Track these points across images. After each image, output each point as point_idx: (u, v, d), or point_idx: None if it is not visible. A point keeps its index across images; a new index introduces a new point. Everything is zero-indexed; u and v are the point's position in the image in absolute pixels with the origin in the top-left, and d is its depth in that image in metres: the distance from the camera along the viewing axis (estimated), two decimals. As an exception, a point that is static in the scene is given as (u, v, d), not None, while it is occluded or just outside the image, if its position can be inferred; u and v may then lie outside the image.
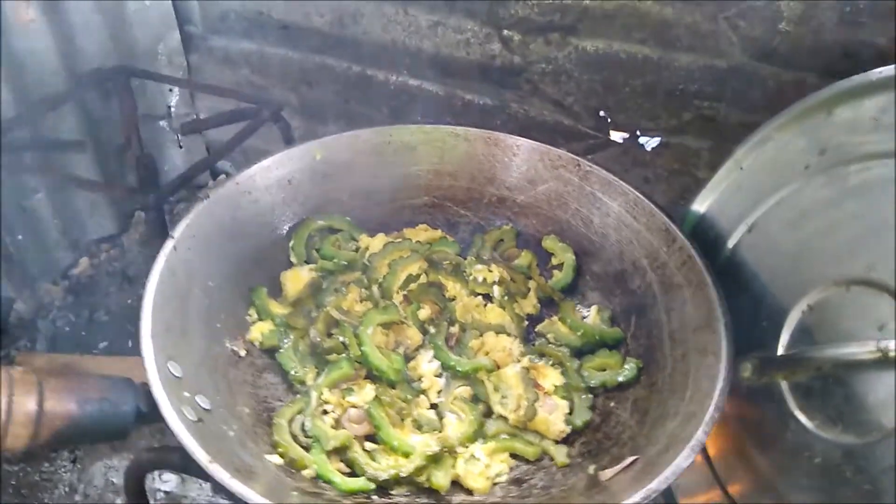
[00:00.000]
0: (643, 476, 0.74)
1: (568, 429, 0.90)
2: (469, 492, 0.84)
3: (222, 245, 0.99)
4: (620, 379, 0.94)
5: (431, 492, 0.83)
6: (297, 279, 1.07)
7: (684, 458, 0.72)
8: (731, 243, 0.97)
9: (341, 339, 0.98)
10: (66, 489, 1.30)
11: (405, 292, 1.05)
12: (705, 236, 1.00)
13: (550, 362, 0.97)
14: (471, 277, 1.08)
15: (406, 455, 0.84)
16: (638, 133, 1.46)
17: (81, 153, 1.55)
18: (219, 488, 0.76)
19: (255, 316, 1.02)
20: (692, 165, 1.45)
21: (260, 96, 1.63)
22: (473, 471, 0.85)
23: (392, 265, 1.07)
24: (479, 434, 0.88)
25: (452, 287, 1.08)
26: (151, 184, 1.31)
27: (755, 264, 0.93)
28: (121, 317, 1.62)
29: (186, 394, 0.80)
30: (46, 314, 1.60)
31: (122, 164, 1.76)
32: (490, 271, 1.08)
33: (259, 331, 0.99)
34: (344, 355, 0.96)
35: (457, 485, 0.85)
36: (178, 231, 0.93)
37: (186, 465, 0.88)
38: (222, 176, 1.97)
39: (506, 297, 1.06)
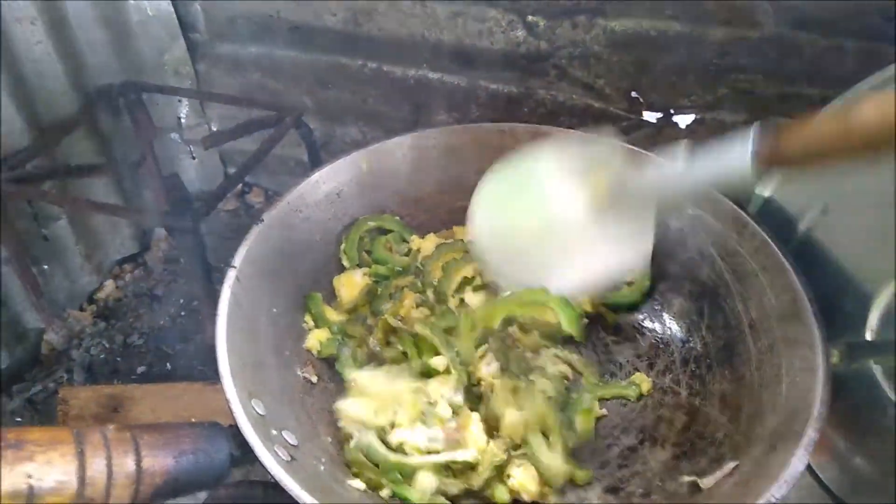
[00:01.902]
0: (753, 480, 0.72)
1: None
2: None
3: (280, 268, 0.96)
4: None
5: None
6: (351, 284, 1.04)
7: (800, 460, 0.70)
8: (803, 226, 0.95)
9: (401, 348, 0.96)
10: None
11: (461, 296, 1.03)
12: (773, 220, 0.98)
13: None
14: None
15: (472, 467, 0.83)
16: (671, 111, 1.43)
17: (101, 178, 1.50)
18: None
19: (312, 323, 1.00)
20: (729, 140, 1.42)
21: (277, 102, 1.58)
22: (525, 477, 0.83)
23: (446, 268, 1.05)
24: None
25: None
26: (183, 205, 1.27)
27: (833, 247, 0.91)
28: (155, 339, 1.58)
29: (273, 431, 0.77)
30: (79, 343, 1.56)
31: (137, 182, 1.71)
32: None
33: (317, 339, 0.98)
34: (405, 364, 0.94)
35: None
36: (239, 258, 0.89)
37: (269, 499, 0.86)
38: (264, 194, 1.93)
39: None
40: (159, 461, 0.66)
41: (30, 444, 0.59)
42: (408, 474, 0.81)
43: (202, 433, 0.71)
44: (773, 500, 0.67)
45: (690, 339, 0.99)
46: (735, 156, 0.66)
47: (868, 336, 0.85)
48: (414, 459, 0.82)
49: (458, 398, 0.87)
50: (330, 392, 0.93)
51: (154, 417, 1.28)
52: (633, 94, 1.43)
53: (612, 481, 0.86)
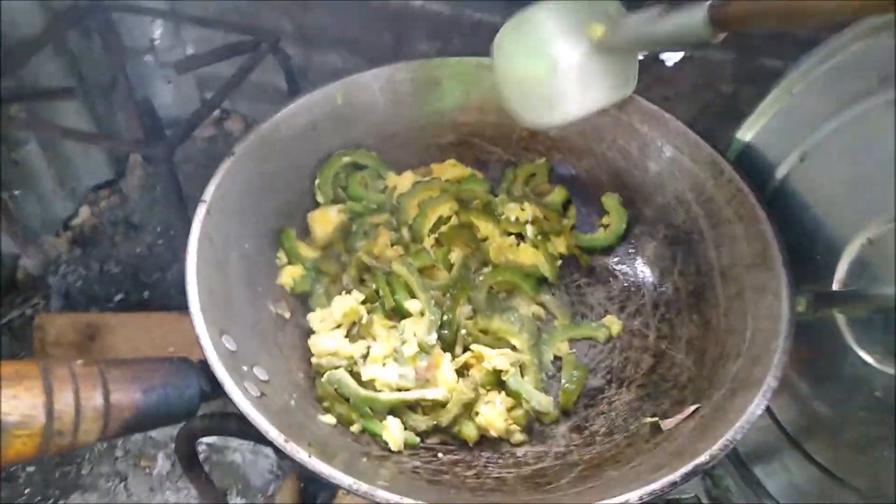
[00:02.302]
0: (712, 424, 0.74)
1: None
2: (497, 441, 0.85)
3: (253, 203, 0.95)
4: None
5: (463, 443, 0.85)
6: (325, 220, 1.03)
7: (757, 406, 0.72)
8: (780, 173, 0.94)
9: (374, 286, 0.97)
10: (105, 444, 1.31)
11: (436, 235, 1.03)
12: (752, 166, 0.97)
13: None
14: (503, 216, 1.05)
15: (442, 405, 0.84)
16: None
17: (71, 101, 1.45)
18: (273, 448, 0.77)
19: (285, 259, 0.99)
20: (716, 80, 1.40)
21: (254, 26, 1.52)
22: (492, 412, 0.85)
23: (422, 206, 1.04)
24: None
25: (485, 227, 1.05)
26: (156, 132, 1.24)
27: (808, 195, 0.91)
28: (132, 267, 1.58)
29: (244, 367, 0.78)
30: (56, 269, 1.55)
31: (110, 106, 1.66)
32: (522, 209, 1.05)
33: (290, 275, 0.97)
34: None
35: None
36: (209, 193, 0.87)
37: (245, 431, 0.88)
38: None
39: (539, 237, 1.03)
40: (128, 396, 0.66)
41: (-6, 379, 0.59)
42: (378, 410, 0.83)
43: (171, 368, 0.71)
44: (729, 444, 0.69)
45: (662, 283, 1.00)
46: (696, 13, 0.77)
47: (835, 286, 0.86)
48: (384, 395, 0.84)
49: (432, 338, 0.88)
50: (303, 328, 0.94)
51: (131, 346, 1.29)
52: None
53: (578, 420, 0.88)
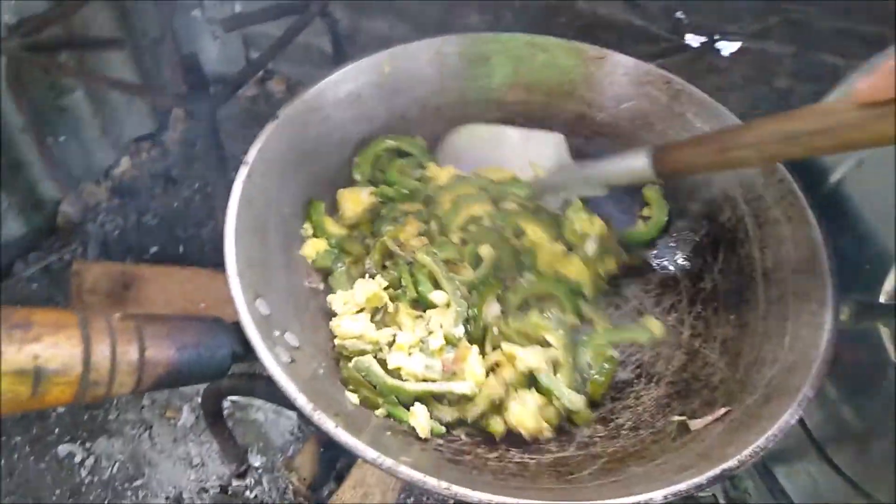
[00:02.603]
0: (743, 429, 0.73)
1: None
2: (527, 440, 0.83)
3: (293, 169, 0.95)
4: None
5: (489, 436, 0.83)
6: (355, 200, 1.01)
7: (791, 415, 0.70)
8: (834, 177, 0.91)
9: (395, 273, 0.94)
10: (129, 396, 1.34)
11: (463, 233, 0.99)
12: (805, 167, 0.94)
13: None
14: (567, 222, 1.01)
15: (469, 399, 0.83)
16: (716, 37, 1.35)
17: (118, 52, 1.46)
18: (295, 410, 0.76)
19: (310, 231, 0.97)
20: (771, 74, 1.35)
21: (304, -13, 1.50)
22: (523, 412, 0.82)
23: (456, 202, 1.01)
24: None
25: (532, 232, 1.00)
26: (200, 88, 1.24)
27: (861, 202, 0.88)
28: (168, 221, 1.59)
29: (276, 332, 0.78)
30: (94, 217, 1.58)
31: (156, 59, 1.67)
32: (592, 223, 1.01)
33: (314, 248, 0.95)
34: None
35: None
36: (252, 155, 0.87)
37: (272, 394, 0.89)
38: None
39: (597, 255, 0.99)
40: (162, 352, 0.67)
41: (37, 326, 0.60)
42: (405, 400, 0.81)
43: (205, 328, 0.72)
44: (760, 451, 0.67)
45: (701, 279, 0.97)
46: (639, 160, 0.85)
47: (882, 298, 0.83)
48: (410, 385, 0.82)
49: (459, 331, 0.86)
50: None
51: (164, 299, 1.31)
52: (679, 14, 1.35)
53: (603, 412, 0.87)
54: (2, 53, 1.23)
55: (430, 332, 0.86)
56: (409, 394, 0.81)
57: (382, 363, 0.84)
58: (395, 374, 0.84)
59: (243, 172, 0.85)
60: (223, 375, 0.73)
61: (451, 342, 0.86)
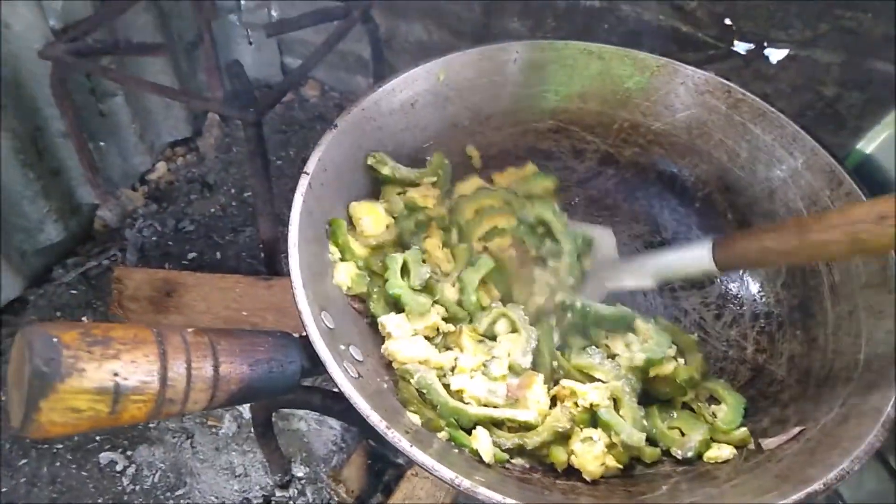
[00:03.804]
0: (822, 449, 0.71)
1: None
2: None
3: (349, 178, 0.94)
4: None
5: (550, 466, 0.80)
6: (375, 216, 0.94)
7: (876, 437, 0.68)
8: (905, 188, 0.89)
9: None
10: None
11: (486, 244, 0.98)
12: (871, 179, 0.92)
13: None
14: None
15: (530, 428, 0.80)
16: (764, 44, 1.33)
17: (159, 56, 1.46)
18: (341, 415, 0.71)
19: (338, 255, 0.88)
20: (819, 82, 1.33)
21: (344, -9, 1.50)
22: (588, 453, 0.79)
23: (479, 212, 1.00)
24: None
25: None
26: (246, 95, 1.23)
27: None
28: (206, 227, 1.59)
29: (342, 346, 0.77)
30: (132, 223, 1.58)
31: (193, 64, 1.66)
32: None
33: (347, 275, 0.87)
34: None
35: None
36: (312, 165, 0.86)
37: (328, 408, 0.88)
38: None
39: None
40: (235, 368, 0.66)
41: (115, 342, 0.59)
42: (465, 424, 0.79)
43: (276, 343, 0.70)
44: (846, 473, 0.66)
45: (764, 293, 0.95)
46: (697, 254, 0.82)
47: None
48: (472, 409, 0.80)
49: (527, 361, 0.84)
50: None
51: (205, 306, 1.31)
52: (727, 20, 1.33)
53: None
54: (48, 59, 1.22)
55: (493, 357, 0.84)
56: (471, 417, 0.79)
57: (445, 386, 0.82)
58: (457, 396, 0.81)
59: (304, 182, 0.84)
60: (292, 390, 0.72)
61: (514, 371, 0.84)
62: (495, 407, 0.81)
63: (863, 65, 1.28)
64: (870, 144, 0.94)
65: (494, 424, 0.80)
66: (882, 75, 1.25)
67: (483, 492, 0.63)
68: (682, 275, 0.88)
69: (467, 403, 0.81)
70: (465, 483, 0.64)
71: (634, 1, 1.38)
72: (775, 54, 1.34)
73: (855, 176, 0.89)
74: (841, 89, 1.33)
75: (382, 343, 0.86)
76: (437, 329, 0.88)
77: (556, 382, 0.84)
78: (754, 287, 0.97)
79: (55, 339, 0.55)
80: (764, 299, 0.95)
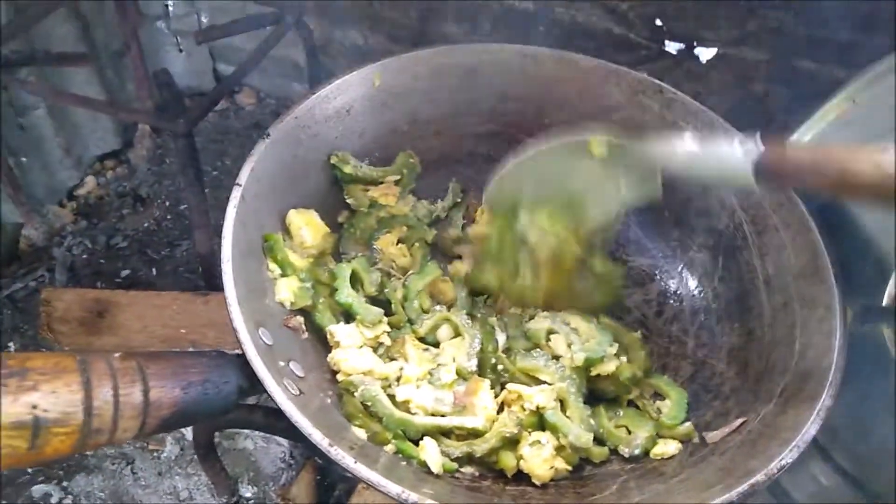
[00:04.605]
0: (763, 441, 0.73)
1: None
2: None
3: (284, 188, 0.91)
4: None
5: (500, 472, 0.79)
6: (313, 226, 0.92)
7: (812, 425, 0.70)
8: (833, 182, 0.91)
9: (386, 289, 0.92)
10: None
11: None
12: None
13: None
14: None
15: (478, 435, 0.79)
16: (694, 43, 1.36)
17: (82, 67, 1.39)
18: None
19: (277, 272, 0.86)
20: (748, 80, 1.37)
21: (275, -4, 1.46)
22: (536, 458, 0.78)
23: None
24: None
25: None
26: (175, 105, 1.18)
27: (862, 207, 0.88)
28: (140, 242, 1.53)
29: (281, 363, 0.75)
30: (60, 241, 1.50)
31: (120, 73, 1.60)
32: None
33: (289, 290, 0.84)
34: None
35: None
36: (244, 176, 0.83)
37: (272, 426, 0.85)
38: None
39: None
40: (167, 392, 0.63)
41: (33, 373, 0.55)
42: (412, 435, 0.77)
43: (210, 363, 0.68)
44: (787, 463, 0.67)
45: (702, 288, 0.97)
46: (736, 161, 0.70)
47: (885, 301, 0.84)
48: (419, 419, 0.78)
49: (472, 364, 0.84)
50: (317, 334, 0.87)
51: (141, 325, 1.25)
52: (658, 21, 1.35)
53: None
54: (-41, 72, 1.16)
55: (440, 365, 0.83)
56: (418, 428, 0.77)
57: (390, 397, 0.80)
58: (404, 407, 0.80)
59: (237, 194, 0.81)
60: (229, 411, 0.70)
61: (462, 376, 0.83)
62: (443, 416, 0.79)
63: (788, 62, 1.32)
64: (803, 138, 0.95)
65: (442, 433, 0.79)
66: (806, 72, 1.30)
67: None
68: (713, 177, 0.75)
69: (414, 414, 0.79)
70: (413, 497, 0.62)
71: (567, 3, 1.39)
72: (705, 53, 1.37)
73: (784, 170, 0.92)
74: (769, 86, 1.37)
75: (326, 355, 0.85)
76: (380, 341, 0.86)
77: (503, 387, 0.84)
78: (692, 283, 0.99)
79: (-36, 374, 0.51)
80: (702, 294, 0.97)
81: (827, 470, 0.98)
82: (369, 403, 0.78)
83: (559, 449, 0.78)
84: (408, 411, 0.79)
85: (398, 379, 0.82)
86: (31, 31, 1.30)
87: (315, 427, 0.66)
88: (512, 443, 0.79)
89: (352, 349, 0.83)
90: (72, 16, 1.41)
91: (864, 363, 0.87)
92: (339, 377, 0.82)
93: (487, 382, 0.82)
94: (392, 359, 0.85)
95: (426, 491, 0.65)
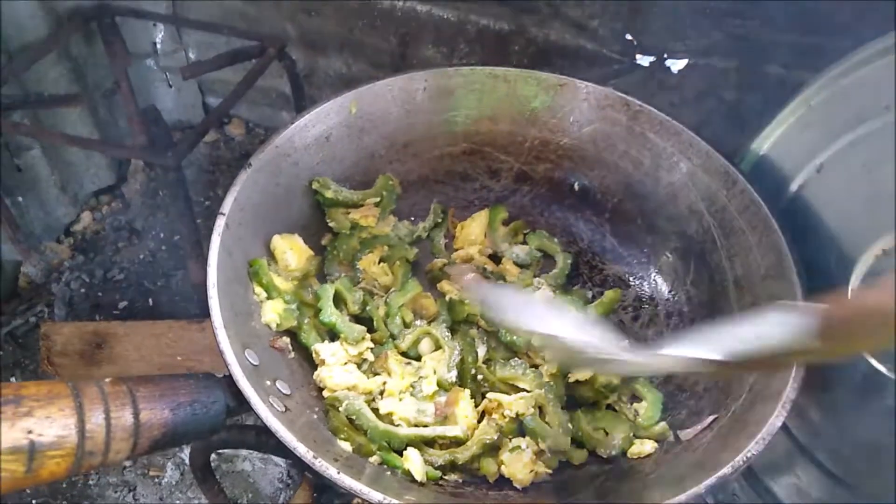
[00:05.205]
0: (732, 435, 0.75)
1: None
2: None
3: (268, 215, 0.95)
4: None
5: (482, 478, 0.83)
6: (297, 249, 0.96)
7: (777, 417, 0.73)
8: (795, 185, 0.95)
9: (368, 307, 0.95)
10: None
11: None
12: (767, 176, 0.98)
13: None
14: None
15: (460, 443, 0.82)
16: (665, 56, 1.40)
17: (75, 108, 1.44)
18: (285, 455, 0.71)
19: (263, 295, 0.89)
20: (719, 88, 1.41)
21: (258, 31, 1.51)
22: (517, 462, 0.81)
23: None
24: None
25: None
26: (164, 140, 1.23)
27: (823, 206, 0.91)
28: (136, 274, 1.57)
29: (268, 382, 0.78)
30: (58, 277, 1.54)
31: (112, 110, 1.65)
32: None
33: (275, 311, 0.88)
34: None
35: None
36: (228, 206, 0.87)
37: (263, 444, 0.88)
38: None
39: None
40: (157, 413, 0.66)
41: (28, 400, 0.59)
42: (396, 446, 0.80)
43: (198, 384, 0.71)
44: (752, 455, 0.70)
45: (675, 292, 1.01)
46: (787, 325, 0.61)
47: (849, 296, 0.87)
48: (402, 430, 0.82)
49: (452, 376, 0.87)
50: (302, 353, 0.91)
51: (138, 355, 1.29)
52: (628, 36, 1.40)
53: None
54: (-45, 118, 1.20)
55: (422, 378, 0.86)
56: (401, 439, 0.81)
57: (374, 410, 0.84)
58: (387, 419, 0.83)
59: (221, 223, 0.85)
60: (218, 431, 0.73)
61: (443, 387, 0.86)
62: (425, 426, 0.83)
63: (757, 68, 1.36)
64: (763, 143, 1.00)
65: (425, 443, 0.82)
66: (775, 77, 1.33)
67: (412, 511, 0.65)
68: (768, 351, 0.62)
69: (397, 425, 0.82)
70: (393, 503, 0.65)
71: (540, 24, 1.44)
72: (676, 64, 1.41)
73: (749, 175, 0.95)
74: (740, 93, 1.41)
75: (313, 373, 0.88)
76: (364, 357, 0.89)
77: (483, 396, 0.87)
78: (666, 287, 1.02)
79: (-38, 403, 0.55)
80: (675, 297, 1.00)
81: (809, 467, 1.01)
82: (354, 417, 0.81)
83: (539, 453, 0.82)
84: (391, 423, 0.83)
85: (381, 392, 0.86)
86: (22, 76, 1.35)
87: (300, 441, 0.69)
88: (493, 449, 0.82)
89: (336, 366, 0.86)
90: (63, 57, 1.46)
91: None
92: (325, 393, 0.85)
93: (468, 392, 0.85)
94: (376, 373, 0.88)
95: (409, 498, 0.68)
